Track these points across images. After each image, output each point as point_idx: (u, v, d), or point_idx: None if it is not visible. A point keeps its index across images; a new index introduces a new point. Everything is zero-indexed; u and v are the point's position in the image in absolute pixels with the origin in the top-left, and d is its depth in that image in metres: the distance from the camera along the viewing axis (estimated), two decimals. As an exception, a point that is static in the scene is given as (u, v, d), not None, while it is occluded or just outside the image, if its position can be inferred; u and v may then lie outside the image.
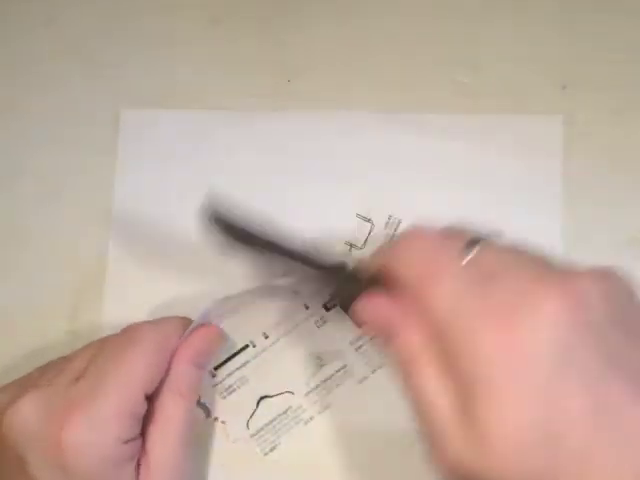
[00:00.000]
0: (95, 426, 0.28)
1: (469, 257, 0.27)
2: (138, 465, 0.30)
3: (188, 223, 0.38)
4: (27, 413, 0.29)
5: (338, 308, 0.36)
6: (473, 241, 0.27)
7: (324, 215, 0.37)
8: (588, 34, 0.38)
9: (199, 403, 0.35)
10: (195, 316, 0.33)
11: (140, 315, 0.35)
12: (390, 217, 0.37)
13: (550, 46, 0.38)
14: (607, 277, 0.26)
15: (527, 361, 0.24)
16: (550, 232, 0.36)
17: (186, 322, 0.33)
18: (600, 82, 0.38)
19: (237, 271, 0.35)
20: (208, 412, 0.35)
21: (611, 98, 0.37)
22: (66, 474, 0.28)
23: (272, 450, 0.35)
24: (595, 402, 0.23)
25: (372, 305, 0.29)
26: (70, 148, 0.39)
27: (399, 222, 0.37)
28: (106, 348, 0.31)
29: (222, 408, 0.36)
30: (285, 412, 0.35)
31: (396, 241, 0.29)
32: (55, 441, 0.28)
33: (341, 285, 0.31)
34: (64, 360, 0.32)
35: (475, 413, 0.24)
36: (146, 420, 0.31)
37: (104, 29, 0.41)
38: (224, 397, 0.36)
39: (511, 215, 0.37)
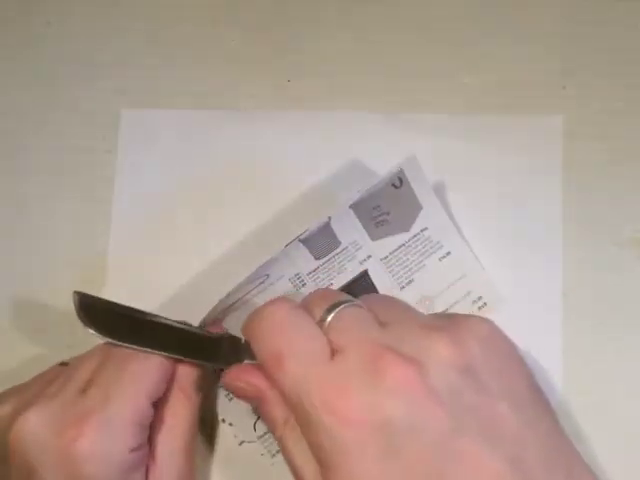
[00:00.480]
0: (106, 436, 0.29)
1: (322, 329, 0.28)
2: (147, 472, 0.30)
3: (188, 223, 0.38)
4: (36, 424, 0.29)
5: None
6: (329, 309, 0.29)
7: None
8: (588, 34, 0.38)
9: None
10: (195, 316, 0.33)
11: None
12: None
13: (550, 46, 0.38)
14: (461, 337, 0.27)
15: (370, 433, 0.25)
16: (550, 232, 0.36)
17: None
18: (600, 82, 0.38)
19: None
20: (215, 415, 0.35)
21: (611, 98, 0.37)
22: None
23: (279, 452, 0.35)
24: (443, 464, 0.24)
25: (241, 374, 0.30)
26: (70, 148, 0.39)
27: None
28: (111, 357, 0.31)
29: (229, 410, 0.35)
30: None
31: (252, 315, 0.30)
32: (66, 452, 0.28)
33: (221, 357, 0.32)
34: (67, 368, 0.32)
35: None
36: (152, 426, 0.31)
37: (104, 29, 0.41)
38: (231, 399, 0.35)
39: (511, 215, 0.37)
